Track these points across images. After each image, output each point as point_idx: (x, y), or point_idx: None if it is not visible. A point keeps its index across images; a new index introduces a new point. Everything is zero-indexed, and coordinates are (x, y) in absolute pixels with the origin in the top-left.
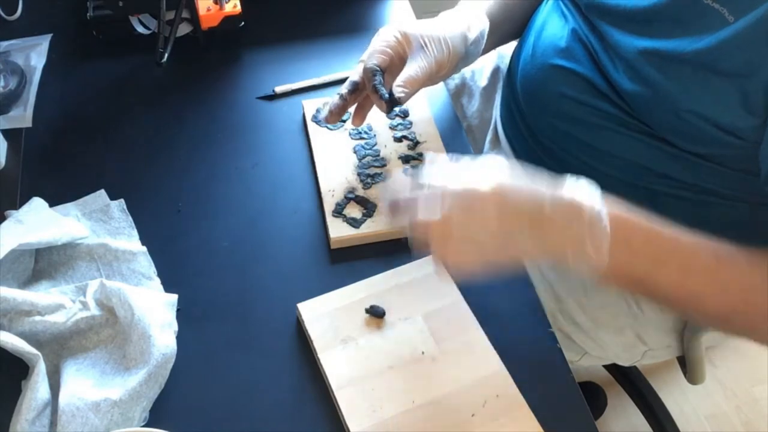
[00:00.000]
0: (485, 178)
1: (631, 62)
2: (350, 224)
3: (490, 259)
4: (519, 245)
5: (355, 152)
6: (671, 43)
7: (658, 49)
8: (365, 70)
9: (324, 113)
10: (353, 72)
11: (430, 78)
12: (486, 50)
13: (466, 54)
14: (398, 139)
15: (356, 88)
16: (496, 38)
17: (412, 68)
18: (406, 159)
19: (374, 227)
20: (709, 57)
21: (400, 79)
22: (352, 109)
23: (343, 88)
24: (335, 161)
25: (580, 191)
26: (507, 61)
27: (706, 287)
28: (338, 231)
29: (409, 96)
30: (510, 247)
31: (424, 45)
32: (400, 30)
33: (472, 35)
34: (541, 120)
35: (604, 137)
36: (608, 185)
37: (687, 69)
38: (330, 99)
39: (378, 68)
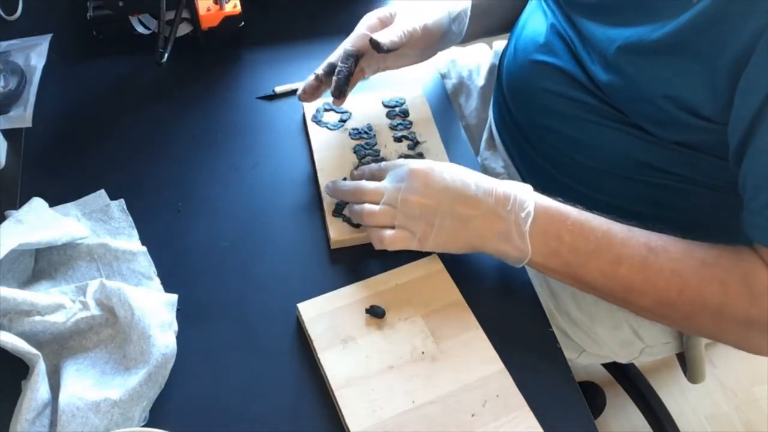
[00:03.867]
0: (419, 160)
1: (605, 53)
2: (350, 224)
3: (413, 232)
4: (444, 225)
5: (355, 152)
6: (640, 31)
7: (629, 37)
8: (342, 53)
9: (298, 92)
10: (333, 53)
11: (413, 41)
12: (470, 37)
13: (448, 30)
14: (398, 139)
15: (332, 70)
16: (480, 27)
17: (396, 26)
18: (406, 159)
19: None
20: (676, 40)
21: (384, 34)
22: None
23: (319, 69)
24: (335, 161)
25: (512, 184)
26: None
27: (635, 277)
28: (338, 231)
29: (392, 44)
30: (435, 226)
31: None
32: (382, 13)
33: (454, 11)
34: (528, 117)
35: (587, 130)
36: (596, 179)
37: (656, 55)
38: (329, 99)
39: (354, 53)
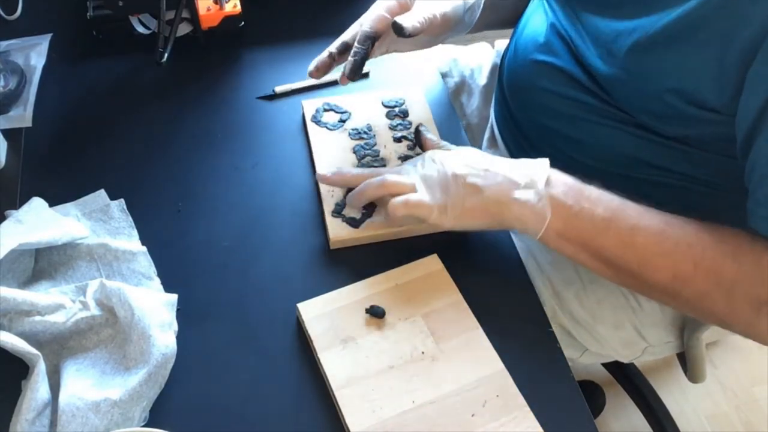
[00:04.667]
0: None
1: (609, 47)
2: (350, 224)
3: (433, 198)
4: (460, 193)
5: (354, 152)
6: (644, 21)
7: (633, 29)
8: (360, 33)
9: (310, 67)
10: (347, 31)
11: (432, 27)
12: (476, 29)
13: (461, 19)
14: (398, 140)
15: (346, 48)
16: (486, 20)
17: (417, 10)
18: (405, 159)
19: (374, 227)
20: (681, 28)
21: (407, 18)
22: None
23: (333, 46)
24: (335, 161)
25: (530, 160)
26: None
27: (652, 248)
28: (338, 231)
29: (415, 29)
30: (452, 194)
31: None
32: None
33: (469, 1)
34: (527, 117)
35: (587, 129)
36: (596, 178)
37: (661, 46)
38: (328, 99)
39: (372, 35)
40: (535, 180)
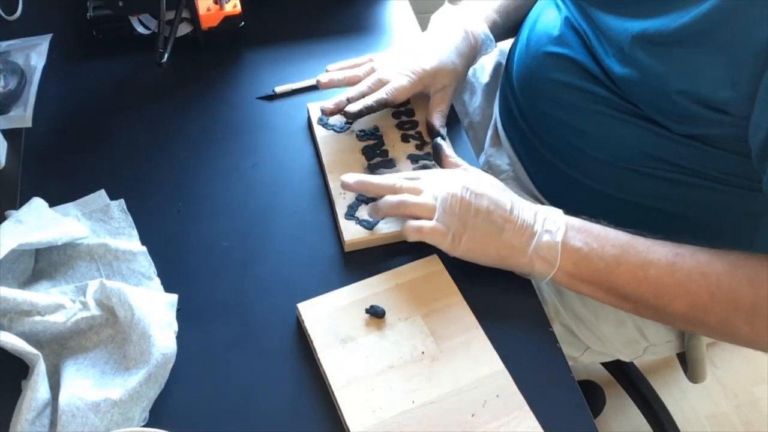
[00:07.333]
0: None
1: (622, 46)
2: (363, 226)
3: (448, 228)
4: (478, 228)
5: (363, 153)
6: (658, 22)
7: (647, 29)
8: (380, 97)
9: (328, 106)
10: (361, 65)
11: (422, 84)
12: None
13: (475, 60)
14: (405, 139)
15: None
16: (502, 32)
17: (441, 106)
18: (414, 158)
19: (387, 229)
20: (696, 30)
21: (436, 120)
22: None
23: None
24: (344, 163)
25: (543, 206)
26: None
27: (666, 280)
28: (352, 234)
29: (444, 124)
30: (469, 227)
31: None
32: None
33: (479, 38)
34: (536, 109)
35: (597, 122)
36: (604, 172)
37: (675, 47)
38: (333, 100)
39: (390, 102)
40: (552, 231)
